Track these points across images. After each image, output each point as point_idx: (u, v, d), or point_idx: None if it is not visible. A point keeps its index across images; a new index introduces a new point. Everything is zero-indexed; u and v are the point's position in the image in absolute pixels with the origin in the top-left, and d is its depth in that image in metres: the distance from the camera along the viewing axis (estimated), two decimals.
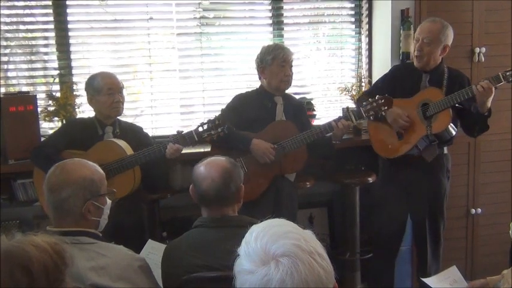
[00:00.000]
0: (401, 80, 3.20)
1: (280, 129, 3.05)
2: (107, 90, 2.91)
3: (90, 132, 2.95)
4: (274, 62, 3.08)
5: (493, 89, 2.85)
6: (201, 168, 2.05)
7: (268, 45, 3.17)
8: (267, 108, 3.12)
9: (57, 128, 3.29)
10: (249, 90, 3.29)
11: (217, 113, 2.82)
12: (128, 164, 2.81)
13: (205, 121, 2.80)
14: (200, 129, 2.79)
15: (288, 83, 3.13)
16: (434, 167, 3.16)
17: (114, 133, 2.97)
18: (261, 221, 1.18)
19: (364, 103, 2.93)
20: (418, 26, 3.19)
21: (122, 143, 2.88)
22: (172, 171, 3.42)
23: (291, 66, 3.13)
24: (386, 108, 2.88)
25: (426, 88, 3.11)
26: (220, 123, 2.76)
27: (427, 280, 2.54)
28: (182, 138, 2.80)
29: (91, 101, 2.97)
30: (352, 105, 3.84)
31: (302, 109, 3.33)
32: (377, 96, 2.90)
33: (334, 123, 2.94)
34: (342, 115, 3.02)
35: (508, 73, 2.84)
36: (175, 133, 2.84)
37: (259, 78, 3.18)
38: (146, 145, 2.92)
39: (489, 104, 2.92)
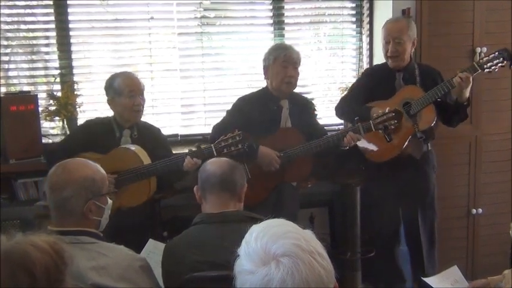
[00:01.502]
0: (375, 82, 3.22)
1: (286, 137, 3.03)
2: (128, 92, 2.84)
3: (107, 134, 2.89)
4: (276, 62, 3.04)
5: (471, 78, 2.92)
6: (207, 163, 2.16)
7: (274, 44, 3.14)
8: (272, 111, 3.09)
9: (71, 130, 3.29)
10: (254, 91, 3.25)
11: (239, 131, 2.69)
12: (145, 174, 2.77)
13: (226, 136, 2.71)
14: (220, 143, 2.71)
15: (290, 84, 3.07)
16: (422, 164, 3.19)
17: (132, 136, 2.92)
18: (261, 221, 1.18)
19: (374, 115, 2.90)
20: (384, 28, 3.19)
21: (139, 151, 2.83)
22: None
23: (296, 67, 3.07)
24: (396, 122, 2.85)
25: (405, 87, 3.14)
26: (241, 139, 2.68)
27: (428, 280, 2.54)
28: (201, 153, 2.73)
29: (111, 102, 2.91)
30: None
31: (308, 108, 3.29)
32: (387, 109, 2.88)
33: (342, 136, 2.90)
34: (350, 126, 2.99)
35: (481, 61, 2.94)
36: (195, 147, 2.79)
37: (265, 79, 3.16)
38: (163, 148, 2.89)
39: (467, 93, 2.98)
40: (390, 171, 3.17)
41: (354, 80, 3.92)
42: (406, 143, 3.06)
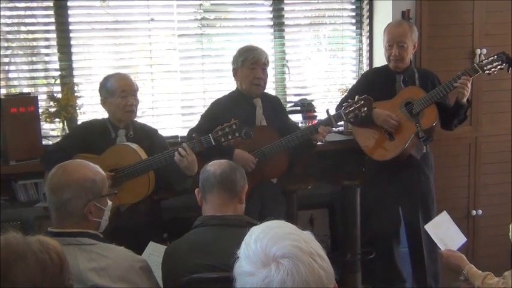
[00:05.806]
0: (375, 85, 3.24)
1: (260, 135, 3.01)
2: (120, 92, 2.84)
3: (102, 135, 2.89)
4: (244, 64, 3.03)
5: (469, 84, 2.99)
6: (208, 165, 2.15)
7: (242, 47, 3.13)
8: (246, 112, 3.07)
9: (68, 131, 3.30)
10: (226, 94, 3.22)
11: (235, 119, 2.71)
12: (142, 169, 2.75)
13: (223, 125, 2.71)
14: (218, 133, 2.71)
15: (259, 86, 3.07)
16: (421, 164, 3.21)
17: (128, 136, 2.91)
18: (260, 223, 1.18)
19: (343, 105, 2.93)
20: (386, 31, 3.20)
21: (135, 146, 2.82)
22: None
23: (264, 68, 3.06)
24: (366, 109, 2.87)
25: (405, 88, 3.17)
26: (237, 127, 2.68)
27: (427, 227, 2.59)
28: (199, 143, 2.73)
29: (104, 103, 2.91)
30: None
31: (280, 105, 3.31)
32: (356, 97, 2.90)
33: (315, 129, 2.92)
34: (322, 119, 3.00)
35: (481, 63, 3.00)
36: (192, 137, 2.78)
37: (235, 81, 3.15)
38: (160, 148, 2.87)
39: (468, 94, 3.02)
40: (391, 172, 3.19)
41: (353, 82, 3.92)
42: (409, 142, 3.07)
